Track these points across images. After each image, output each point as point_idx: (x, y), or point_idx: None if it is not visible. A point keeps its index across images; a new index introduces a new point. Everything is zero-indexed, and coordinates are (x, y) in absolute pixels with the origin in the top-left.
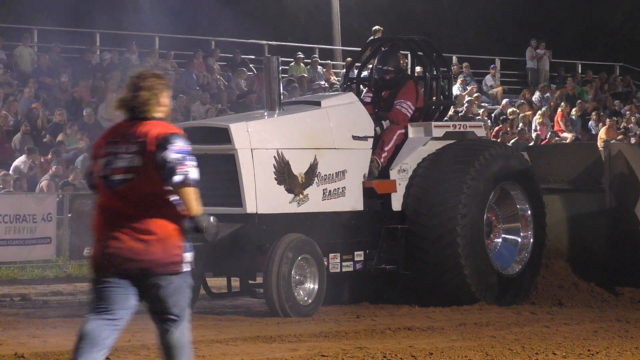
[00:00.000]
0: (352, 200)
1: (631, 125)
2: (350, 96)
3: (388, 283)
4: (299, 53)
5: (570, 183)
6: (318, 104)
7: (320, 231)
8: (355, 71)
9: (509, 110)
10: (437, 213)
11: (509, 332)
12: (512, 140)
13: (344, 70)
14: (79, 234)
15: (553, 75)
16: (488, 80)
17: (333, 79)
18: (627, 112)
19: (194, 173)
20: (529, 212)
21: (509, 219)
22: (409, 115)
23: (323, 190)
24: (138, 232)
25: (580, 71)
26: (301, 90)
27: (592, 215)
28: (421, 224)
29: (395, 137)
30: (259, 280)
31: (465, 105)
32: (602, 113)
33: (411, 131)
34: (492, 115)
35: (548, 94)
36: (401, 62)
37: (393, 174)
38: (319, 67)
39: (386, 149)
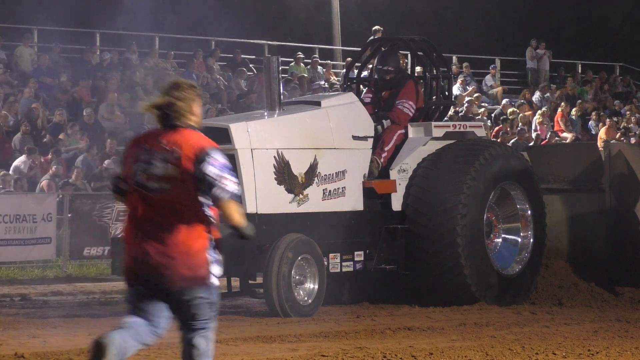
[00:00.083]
0: (352, 200)
1: (631, 125)
2: (350, 96)
3: (388, 283)
4: (299, 53)
5: (570, 183)
6: (318, 104)
7: (320, 231)
8: (355, 71)
9: (509, 110)
10: (437, 213)
11: (509, 332)
12: (512, 140)
13: (344, 70)
14: (79, 234)
15: (553, 75)
16: (488, 80)
17: (333, 79)
18: (627, 112)
19: (235, 188)
20: (529, 212)
21: (509, 219)
22: (411, 114)
23: (323, 190)
24: (165, 244)
25: (580, 71)
26: (301, 90)
27: (592, 215)
28: (421, 224)
29: (395, 137)
30: (259, 280)
31: (465, 105)
32: (602, 113)
33: (411, 131)
34: (492, 115)
35: (548, 94)
36: (401, 62)
37: (393, 174)
38: (319, 67)
39: (386, 149)
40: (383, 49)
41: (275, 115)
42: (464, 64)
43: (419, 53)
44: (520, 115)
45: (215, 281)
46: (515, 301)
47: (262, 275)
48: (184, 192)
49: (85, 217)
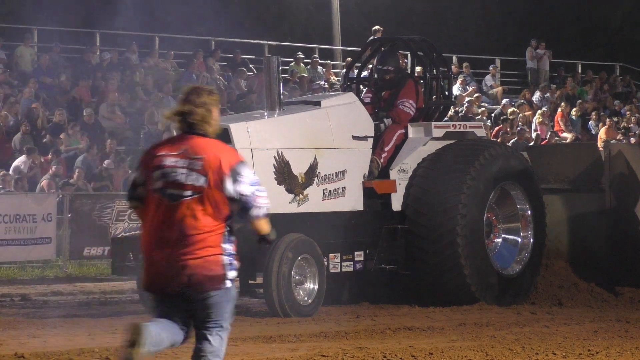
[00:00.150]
0: (352, 200)
1: (631, 125)
2: (350, 96)
3: (388, 283)
4: (299, 53)
5: (570, 183)
6: (318, 104)
7: (320, 231)
8: (355, 71)
9: (509, 110)
10: (437, 213)
11: (509, 332)
12: (512, 140)
13: (344, 70)
14: (79, 234)
15: (553, 75)
16: (488, 80)
17: (333, 79)
18: (627, 112)
19: (266, 202)
20: (529, 212)
21: (509, 219)
22: (412, 114)
23: (323, 190)
24: (184, 250)
25: (580, 71)
26: (301, 90)
27: (592, 215)
28: (421, 224)
29: (395, 137)
30: (259, 280)
31: (465, 105)
32: (602, 113)
33: (411, 131)
34: (492, 115)
35: (548, 94)
36: (401, 62)
37: (393, 174)
38: (319, 67)
39: (386, 149)
40: (383, 49)
41: (275, 115)
42: (464, 64)
43: (419, 53)
44: (520, 115)
45: (231, 283)
46: (515, 301)
47: (262, 275)
48: (208, 201)
49: (85, 217)
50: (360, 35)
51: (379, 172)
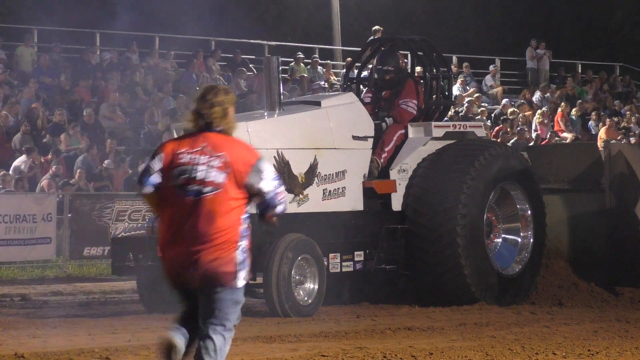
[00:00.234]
0: (352, 200)
1: (631, 125)
2: (350, 96)
3: (388, 283)
4: (299, 53)
5: (570, 183)
6: (318, 104)
7: (320, 231)
8: (355, 71)
9: (509, 110)
10: (437, 213)
11: (509, 332)
12: (512, 140)
13: (344, 70)
14: (79, 234)
15: (553, 75)
16: (488, 80)
17: (333, 79)
18: (627, 112)
19: (285, 197)
20: (529, 212)
21: (509, 219)
22: (414, 113)
23: (323, 190)
24: (200, 245)
25: (580, 71)
26: (301, 90)
27: (592, 215)
28: (421, 224)
29: (395, 137)
30: (259, 280)
31: (465, 105)
32: (602, 113)
33: (411, 131)
34: (492, 115)
35: (548, 94)
36: (401, 62)
37: (393, 174)
38: (319, 67)
39: (386, 149)
40: (383, 49)
41: (275, 115)
42: (464, 64)
43: (419, 53)
44: (520, 115)
45: (242, 283)
46: (515, 301)
47: (262, 275)
48: (227, 198)
49: (85, 217)
50: (360, 35)
51: (379, 172)
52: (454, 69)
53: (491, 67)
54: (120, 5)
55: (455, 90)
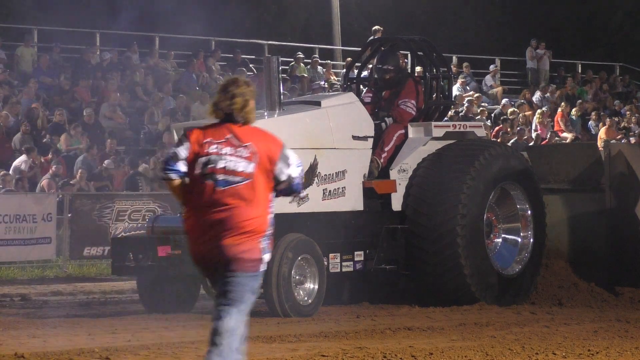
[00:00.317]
0: (352, 200)
1: (631, 125)
2: (350, 96)
3: (388, 283)
4: (299, 53)
5: (570, 183)
6: (318, 104)
7: (320, 231)
8: (355, 71)
9: (509, 110)
10: (437, 213)
11: (509, 332)
12: (512, 140)
13: (344, 70)
14: (79, 234)
15: (553, 75)
16: (488, 80)
17: (333, 79)
18: (627, 112)
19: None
20: (529, 212)
21: (509, 219)
22: (414, 113)
23: (323, 190)
24: (228, 232)
25: (580, 71)
26: (301, 90)
27: (592, 215)
28: (421, 224)
29: (395, 137)
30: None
31: (465, 105)
32: (602, 113)
33: (411, 131)
34: (492, 115)
35: (548, 94)
36: (401, 62)
37: (393, 174)
38: (319, 67)
39: (386, 149)
40: (383, 49)
41: (275, 115)
42: (464, 64)
43: (419, 53)
44: (520, 115)
45: (262, 269)
46: (515, 301)
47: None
48: (254, 185)
49: (85, 217)
50: (360, 35)
51: (379, 172)
52: (454, 69)
53: (491, 67)
54: (120, 5)
55: (455, 90)
